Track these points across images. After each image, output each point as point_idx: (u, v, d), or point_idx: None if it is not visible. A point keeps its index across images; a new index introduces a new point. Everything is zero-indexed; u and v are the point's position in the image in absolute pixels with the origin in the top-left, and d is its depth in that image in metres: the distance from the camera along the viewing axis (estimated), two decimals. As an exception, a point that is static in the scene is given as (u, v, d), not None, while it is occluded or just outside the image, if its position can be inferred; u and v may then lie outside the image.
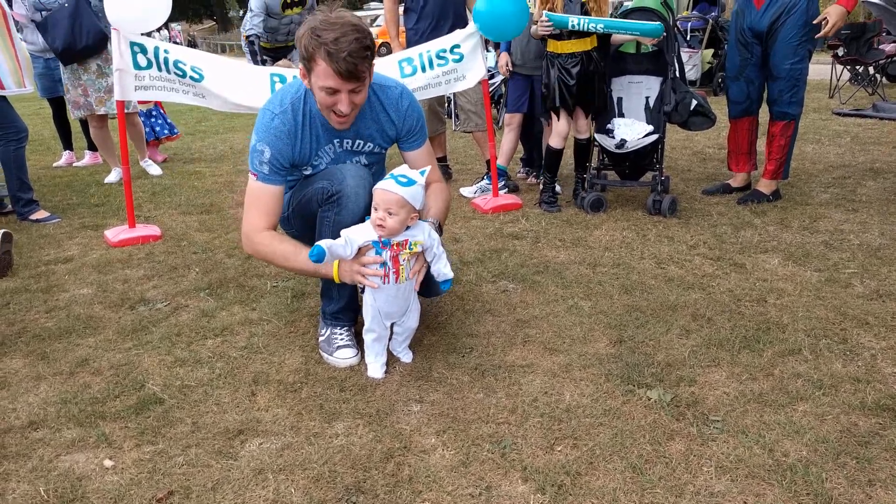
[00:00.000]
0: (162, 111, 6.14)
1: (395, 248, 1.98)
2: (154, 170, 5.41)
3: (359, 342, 2.27)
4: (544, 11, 3.56)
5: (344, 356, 2.22)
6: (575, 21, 3.51)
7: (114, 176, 5.12)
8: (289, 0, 4.94)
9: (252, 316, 2.63)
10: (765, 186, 3.92)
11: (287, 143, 2.09)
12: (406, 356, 2.22)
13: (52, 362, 2.30)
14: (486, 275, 2.96)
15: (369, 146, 2.24)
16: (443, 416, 1.90)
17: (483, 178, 4.47)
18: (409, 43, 4.30)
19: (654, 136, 3.79)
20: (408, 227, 2.00)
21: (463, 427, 1.84)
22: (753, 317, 2.44)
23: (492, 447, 1.75)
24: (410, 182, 1.96)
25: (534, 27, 3.72)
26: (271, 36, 5.08)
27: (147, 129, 5.98)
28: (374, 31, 30.72)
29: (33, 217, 4.05)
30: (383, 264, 1.98)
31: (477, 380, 2.09)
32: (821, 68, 10.06)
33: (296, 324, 2.55)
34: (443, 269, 2.08)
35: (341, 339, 2.26)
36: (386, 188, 1.94)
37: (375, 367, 2.14)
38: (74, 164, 5.93)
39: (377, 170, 2.34)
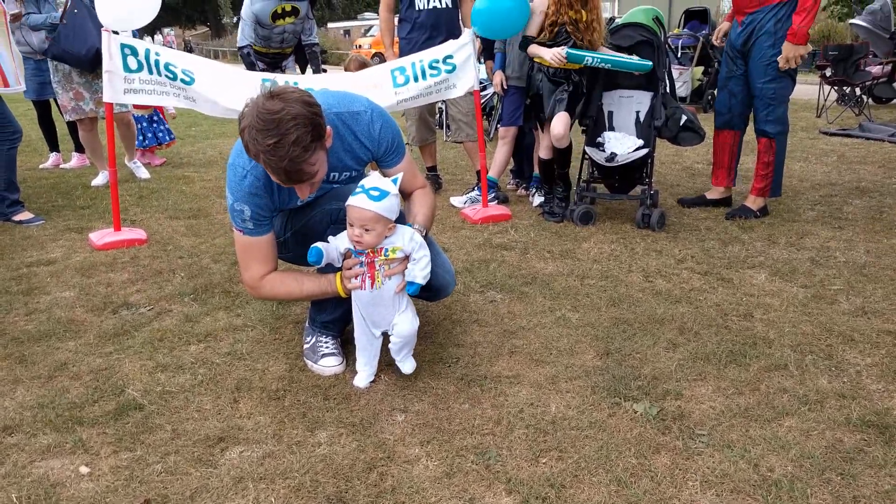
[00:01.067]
0: (163, 117, 6.10)
1: (370, 254, 1.97)
2: (142, 172, 5.37)
3: (345, 351, 2.24)
4: (566, 49, 3.60)
5: (329, 364, 2.19)
6: (590, 60, 3.60)
7: (101, 179, 5.07)
8: (279, 11, 4.80)
9: (237, 322, 2.60)
10: (752, 202, 3.95)
11: (264, 197, 2.00)
12: (406, 366, 2.12)
13: (31, 366, 2.26)
14: (475, 285, 2.94)
15: (346, 174, 2.16)
16: (427, 427, 1.88)
17: (473, 189, 4.47)
18: (403, 53, 4.30)
19: (644, 151, 3.80)
20: (386, 237, 1.97)
21: (447, 437, 1.82)
22: (740, 331, 2.44)
23: (476, 458, 1.73)
24: (383, 195, 1.89)
25: (535, 49, 3.72)
26: (265, 42, 5.01)
27: (149, 135, 5.96)
28: (367, 40, 30.71)
29: (16, 218, 4.00)
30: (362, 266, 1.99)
31: (463, 390, 2.07)
32: (809, 88, 10.20)
33: (280, 331, 2.52)
34: (415, 272, 1.99)
35: (326, 347, 2.24)
36: (358, 205, 1.88)
37: (361, 377, 2.11)
38: (61, 166, 5.88)
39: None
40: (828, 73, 8.52)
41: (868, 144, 6.35)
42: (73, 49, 4.27)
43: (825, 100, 8.30)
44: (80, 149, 5.78)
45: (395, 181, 1.95)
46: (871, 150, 6.08)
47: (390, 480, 1.65)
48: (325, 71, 5.39)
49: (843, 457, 1.70)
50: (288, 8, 4.78)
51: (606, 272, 3.08)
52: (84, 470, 1.70)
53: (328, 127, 1.85)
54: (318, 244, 1.97)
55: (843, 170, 5.24)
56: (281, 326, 2.55)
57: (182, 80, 3.36)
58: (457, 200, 4.46)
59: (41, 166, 5.88)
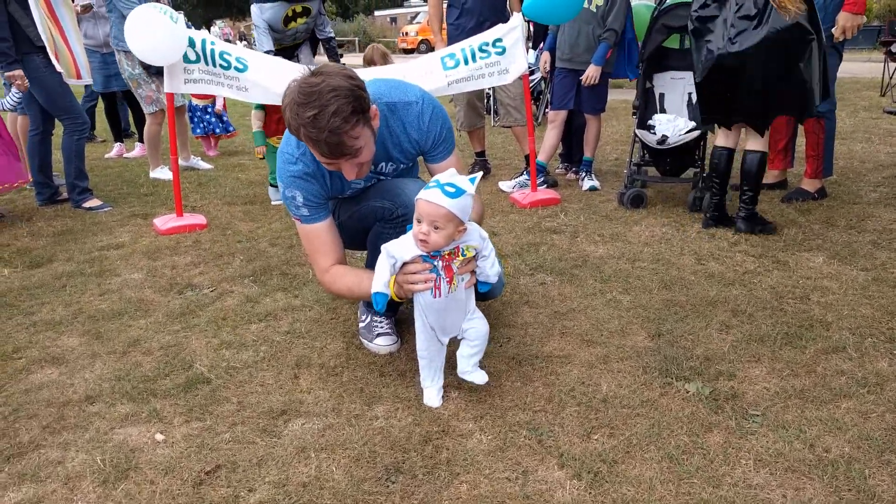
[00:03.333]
0: (216, 109, 6.20)
1: (446, 257, 1.80)
2: (202, 164, 5.55)
3: (399, 331, 2.31)
4: None
5: (384, 343, 2.24)
6: None
7: (160, 173, 5.15)
8: (290, 14, 4.56)
9: (294, 302, 2.70)
10: (808, 185, 3.85)
11: (316, 183, 2.00)
12: (479, 376, 1.94)
13: (106, 341, 2.40)
14: (524, 268, 2.97)
15: (392, 167, 2.14)
16: (480, 403, 1.93)
17: (522, 174, 4.48)
18: (451, 39, 4.33)
19: (696, 133, 3.74)
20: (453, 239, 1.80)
21: (500, 413, 1.87)
22: (796, 314, 2.40)
23: (529, 433, 1.77)
24: (459, 192, 1.72)
25: None
26: (277, 41, 4.71)
27: (204, 125, 6.11)
28: (414, 27, 30.69)
29: (86, 205, 4.22)
30: (435, 273, 1.81)
31: (514, 368, 2.11)
32: (873, 66, 9.75)
33: (337, 311, 2.60)
34: (488, 270, 1.88)
35: (381, 327, 2.28)
36: (431, 199, 1.71)
37: (432, 394, 1.94)
38: (125, 156, 6.14)
39: (415, 171, 2.29)
40: (893, 49, 8.13)
41: (937, 123, 6.06)
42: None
43: (890, 77, 7.94)
44: (143, 139, 6.01)
45: (472, 181, 1.79)
46: (939, 129, 5.81)
47: (445, 453, 1.71)
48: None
49: (903, 439, 1.67)
50: (299, 9, 4.60)
51: (658, 255, 3.06)
52: (159, 437, 1.82)
53: (374, 107, 1.82)
54: (376, 287, 1.82)
55: (909, 150, 5.03)
56: (337, 307, 2.64)
57: (235, 69, 3.48)
58: (505, 185, 4.48)
59: (106, 156, 6.15)
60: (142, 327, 2.51)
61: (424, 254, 1.79)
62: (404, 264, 1.83)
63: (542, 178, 4.34)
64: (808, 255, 2.98)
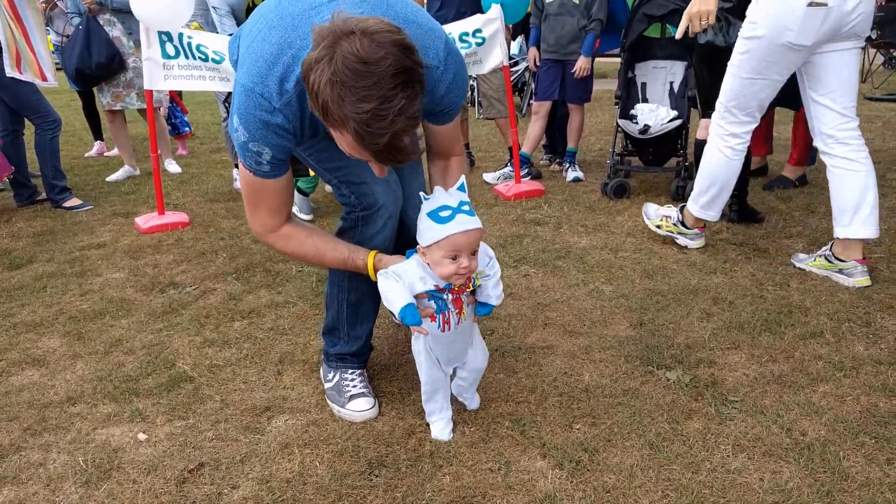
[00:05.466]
0: (180, 107, 6.05)
1: (456, 290, 1.63)
2: (174, 167, 5.33)
3: (373, 386, 2.00)
4: None
5: (359, 408, 1.85)
6: None
7: (121, 174, 5.08)
8: (251, 5, 4.08)
9: (278, 299, 2.69)
10: (790, 172, 3.88)
11: (291, 140, 1.55)
12: (474, 402, 1.88)
13: (88, 342, 2.39)
14: (508, 259, 2.98)
15: None
16: (463, 395, 1.94)
17: (506, 165, 4.49)
18: (432, 30, 4.32)
19: (679, 122, 3.76)
20: None
21: (483, 405, 1.88)
22: (775, 300, 2.43)
23: (511, 425, 1.78)
24: (470, 206, 1.57)
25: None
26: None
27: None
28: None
29: (66, 204, 4.18)
30: (439, 310, 1.63)
31: (497, 360, 2.12)
32: (853, 52, 9.85)
33: (320, 307, 2.60)
34: (490, 290, 1.68)
35: (354, 386, 1.90)
36: (468, 227, 1.51)
37: (441, 426, 1.76)
38: (105, 154, 6.08)
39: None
40: (873, 35, 8.20)
41: (915, 109, 6.13)
42: (66, 64, 4.57)
43: (870, 64, 8.02)
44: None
45: (462, 188, 1.60)
46: (918, 114, 5.87)
47: (428, 445, 1.72)
48: None
49: (877, 421, 1.70)
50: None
51: (640, 245, 3.08)
52: (142, 436, 1.81)
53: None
54: (407, 300, 1.55)
55: (889, 136, 5.08)
56: (321, 303, 2.64)
57: (213, 60, 3.46)
58: (489, 177, 4.49)
59: (86, 154, 6.09)
60: (124, 327, 2.50)
61: (432, 289, 1.59)
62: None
63: (526, 170, 4.35)
64: (789, 242, 3.01)
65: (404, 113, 1.24)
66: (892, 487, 1.47)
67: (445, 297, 1.61)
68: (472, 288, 1.66)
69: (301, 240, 1.71)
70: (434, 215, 1.53)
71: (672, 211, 3.06)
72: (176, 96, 5.95)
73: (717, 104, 2.75)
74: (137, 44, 4.50)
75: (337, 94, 1.22)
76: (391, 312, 1.63)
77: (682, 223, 2.99)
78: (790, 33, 2.41)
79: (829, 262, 2.59)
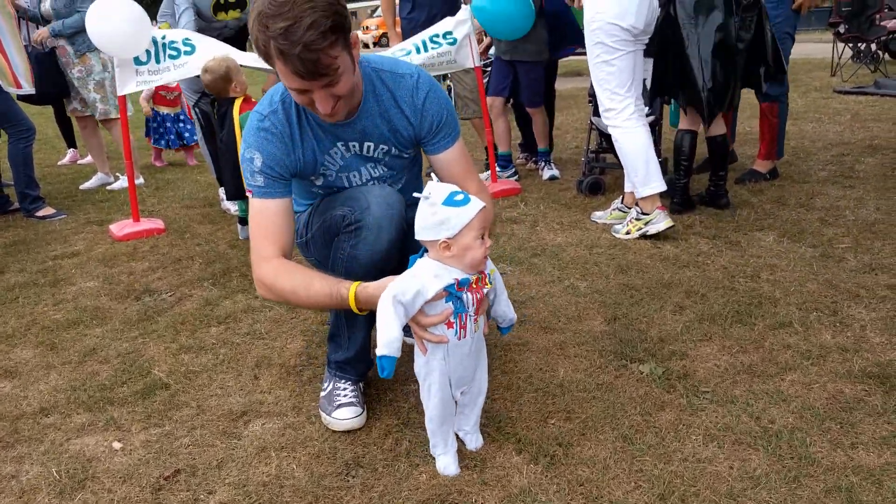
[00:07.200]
0: (190, 117, 5.91)
1: (475, 285, 1.50)
2: (118, 184, 4.96)
3: (366, 400, 1.94)
4: None
5: (343, 416, 1.81)
6: None
7: (94, 181, 5.03)
8: (222, 2, 3.95)
9: (254, 304, 2.69)
10: (760, 166, 3.94)
11: (281, 148, 1.67)
12: (477, 440, 1.71)
13: (61, 352, 2.37)
14: (484, 258, 3.00)
15: (382, 149, 1.77)
16: (440, 394, 1.95)
17: (486, 166, 4.51)
18: (405, 32, 4.34)
19: (651, 118, 3.80)
20: None
21: (459, 403, 1.89)
22: (746, 292, 2.47)
23: (487, 422, 1.80)
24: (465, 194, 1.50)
25: None
26: (204, 25, 3.99)
27: (172, 137, 5.73)
28: (374, 21, 30.21)
29: (39, 214, 4.13)
30: (457, 312, 1.49)
31: (473, 359, 2.14)
32: (822, 47, 10.01)
33: (297, 310, 2.60)
34: (504, 307, 1.65)
35: (344, 396, 1.87)
36: (485, 204, 1.50)
37: (448, 461, 1.62)
38: (79, 162, 6.01)
39: (408, 179, 1.91)
40: (841, 29, 8.35)
41: (883, 101, 6.25)
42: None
43: (839, 58, 8.15)
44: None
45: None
46: (885, 107, 5.99)
47: (405, 444, 1.73)
48: None
49: (842, 407, 1.74)
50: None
51: (615, 241, 3.12)
52: (117, 445, 1.80)
53: (355, 33, 1.55)
54: (389, 350, 1.43)
55: (857, 128, 5.18)
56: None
57: (185, 53, 3.48)
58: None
59: (59, 163, 6.02)
60: (98, 336, 2.48)
61: (450, 284, 1.46)
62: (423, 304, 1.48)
63: (513, 169, 4.42)
64: (760, 235, 3.06)
65: (316, 28, 1.41)
66: (857, 471, 1.51)
67: (465, 296, 1.48)
68: (489, 284, 1.55)
69: (290, 268, 1.68)
70: (451, 202, 1.45)
71: (632, 211, 3.20)
72: (188, 106, 5.80)
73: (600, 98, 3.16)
74: (79, 54, 4.48)
75: (262, 23, 1.43)
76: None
77: (643, 213, 3.07)
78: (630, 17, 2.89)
79: (639, 219, 3.07)
